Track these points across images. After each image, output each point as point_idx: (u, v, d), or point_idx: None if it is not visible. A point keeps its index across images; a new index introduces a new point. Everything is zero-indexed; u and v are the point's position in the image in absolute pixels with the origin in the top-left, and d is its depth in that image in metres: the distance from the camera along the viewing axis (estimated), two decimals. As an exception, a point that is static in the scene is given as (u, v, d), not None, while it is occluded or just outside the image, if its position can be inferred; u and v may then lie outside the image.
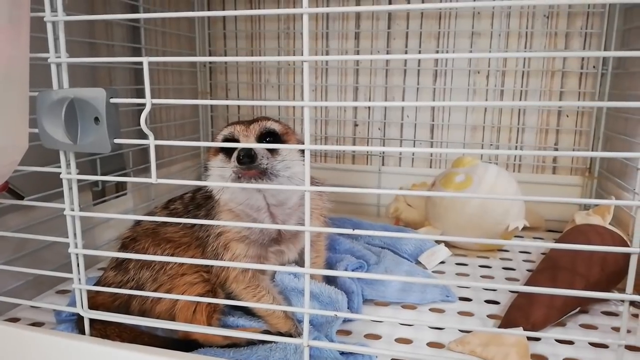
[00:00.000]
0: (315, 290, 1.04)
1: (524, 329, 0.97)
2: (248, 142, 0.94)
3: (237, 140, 0.95)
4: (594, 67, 1.68)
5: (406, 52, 1.79)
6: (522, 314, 1.01)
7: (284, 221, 1.00)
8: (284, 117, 1.95)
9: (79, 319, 0.93)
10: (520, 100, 1.75)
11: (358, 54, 1.83)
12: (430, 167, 1.85)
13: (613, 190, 1.57)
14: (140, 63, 1.58)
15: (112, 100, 0.78)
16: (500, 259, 1.45)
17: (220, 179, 0.95)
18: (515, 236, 1.50)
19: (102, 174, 1.41)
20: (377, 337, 1.02)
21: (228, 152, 0.95)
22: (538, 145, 1.76)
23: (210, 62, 1.96)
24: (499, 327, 1.03)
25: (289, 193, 0.96)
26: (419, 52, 1.78)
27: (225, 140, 0.96)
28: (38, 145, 0.82)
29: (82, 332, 0.91)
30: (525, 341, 0.94)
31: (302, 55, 0.70)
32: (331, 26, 1.84)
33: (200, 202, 1.08)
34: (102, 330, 0.91)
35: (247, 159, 0.87)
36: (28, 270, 0.94)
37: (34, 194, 1.12)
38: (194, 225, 1.02)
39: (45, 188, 1.16)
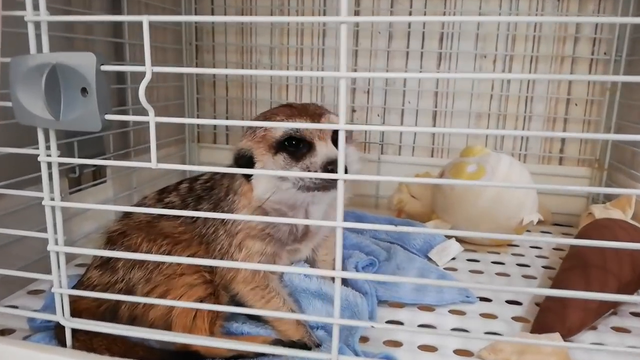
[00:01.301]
0: (329, 293, 0.92)
1: (561, 334, 0.89)
2: (327, 147, 0.82)
3: (306, 141, 0.83)
4: (604, 53, 1.60)
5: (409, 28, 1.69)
6: (556, 317, 0.92)
7: (315, 218, 0.89)
8: (276, 98, 1.82)
9: (59, 327, 0.80)
10: (528, 88, 1.66)
11: (358, 26, 1.71)
12: (432, 156, 1.76)
13: (625, 182, 1.50)
14: (121, 36, 1.40)
15: (104, 68, 0.65)
16: (512, 254, 1.37)
17: (272, 179, 0.82)
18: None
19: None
20: (397, 343, 0.92)
21: (293, 151, 0.83)
22: (545, 135, 1.69)
23: (196, 41, 1.81)
24: (531, 331, 0.94)
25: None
26: (423, 45, 1.68)
27: (290, 138, 0.82)
28: (11, 124, 0.68)
29: (63, 343, 0.78)
30: (564, 348, 0.85)
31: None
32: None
33: (201, 193, 0.94)
34: (87, 342, 0.78)
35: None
36: (5, 271, 0.80)
37: (1, 181, 0.98)
38: (195, 219, 0.89)
39: (15, 173, 1.02)
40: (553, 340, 0.88)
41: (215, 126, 1.90)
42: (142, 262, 0.85)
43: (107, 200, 1.43)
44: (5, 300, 1.04)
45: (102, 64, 0.65)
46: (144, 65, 0.63)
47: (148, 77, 0.64)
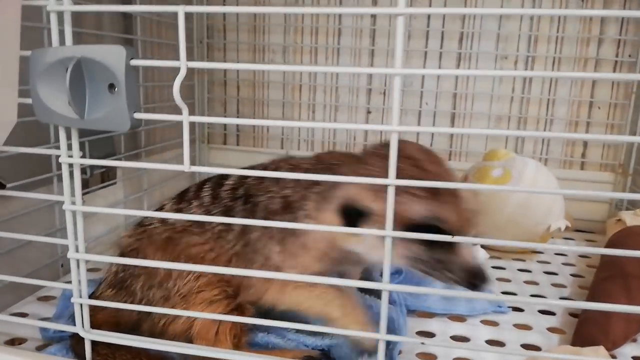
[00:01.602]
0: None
1: (605, 348, 0.84)
2: (473, 249, 0.71)
3: (442, 230, 0.66)
4: (629, 55, 1.56)
5: (428, 35, 1.64)
6: (599, 329, 0.88)
7: None
8: (289, 99, 1.77)
9: (75, 338, 0.75)
10: (550, 91, 1.62)
11: (375, 25, 1.67)
12: (450, 159, 1.71)
13: (651, 188, 1.46)
14: (131, 32, 1.35)
15: (134, 62, 0.60)
16: (538, 261, 1.32)
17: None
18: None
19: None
20: (430, 356, 0.87)
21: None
22: (566, 139, 1.64)
23: (207, 39, 1.76)
24: (572, 343, 0.89)
25: None
26: (442, 35, 1.64)
27: (427, 227, 0.64)
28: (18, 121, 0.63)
29: (81, 356, 0.73)
30: (611, 364, 0.81)
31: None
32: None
33: (229, 202, 0.82)
34: (108, 356, 0.72)
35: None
36: (18, 279, 0.75)
37: (11, 182, 0.93)
38: (225, 235, 0.80)
39: (20, 174, 0.96)
40: (598, 353, 0.83)
41: (225, 126, 1.85)
42: (160, 282, 0.78)
43: (118, 202, 1.37)
44: (14, 307, 0.98)
45: (132, 58, 0.60)
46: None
47: (183, 73, 0.59)
